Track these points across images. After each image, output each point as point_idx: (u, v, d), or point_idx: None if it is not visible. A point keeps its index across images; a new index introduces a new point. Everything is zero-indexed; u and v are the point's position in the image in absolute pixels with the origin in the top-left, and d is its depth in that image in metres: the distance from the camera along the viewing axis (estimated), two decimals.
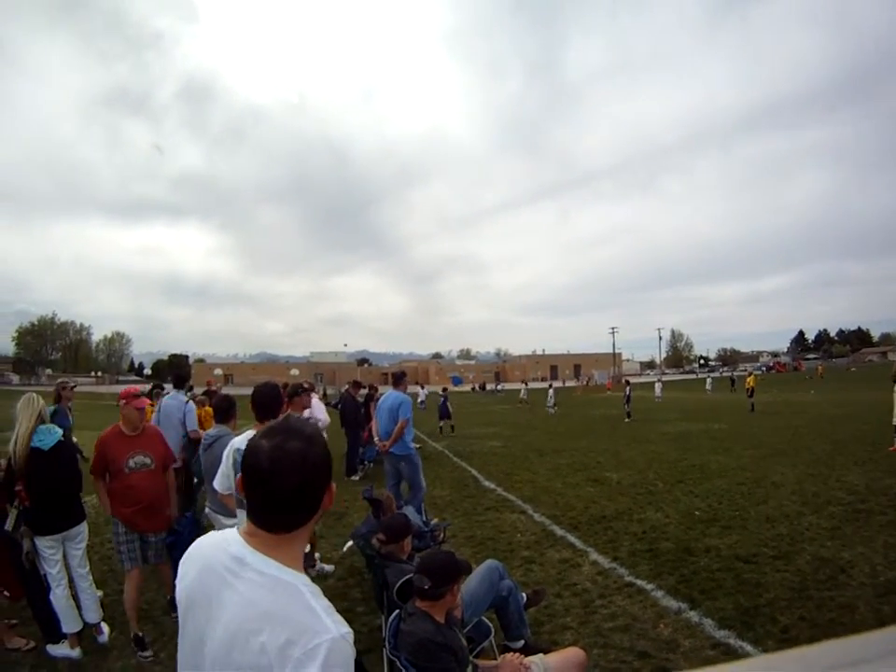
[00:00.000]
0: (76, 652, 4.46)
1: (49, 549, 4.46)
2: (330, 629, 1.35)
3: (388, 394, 8.22)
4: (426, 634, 2.81)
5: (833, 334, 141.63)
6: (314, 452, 1.44)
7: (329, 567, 6.46)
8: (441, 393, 23.38)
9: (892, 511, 7.52)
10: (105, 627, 4.80)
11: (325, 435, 7.79)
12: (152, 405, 9.24)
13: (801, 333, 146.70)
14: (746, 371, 38.68)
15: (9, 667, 4.29)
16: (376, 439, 8.18)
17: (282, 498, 1.40)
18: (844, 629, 4.44)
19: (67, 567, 4.64)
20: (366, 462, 13.37)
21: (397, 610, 3.18)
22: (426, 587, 2.92)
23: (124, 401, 4.86)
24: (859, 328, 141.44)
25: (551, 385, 36.98)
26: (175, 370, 8.61)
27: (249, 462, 1.43)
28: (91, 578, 4.80)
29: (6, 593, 4.64)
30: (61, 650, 4.47)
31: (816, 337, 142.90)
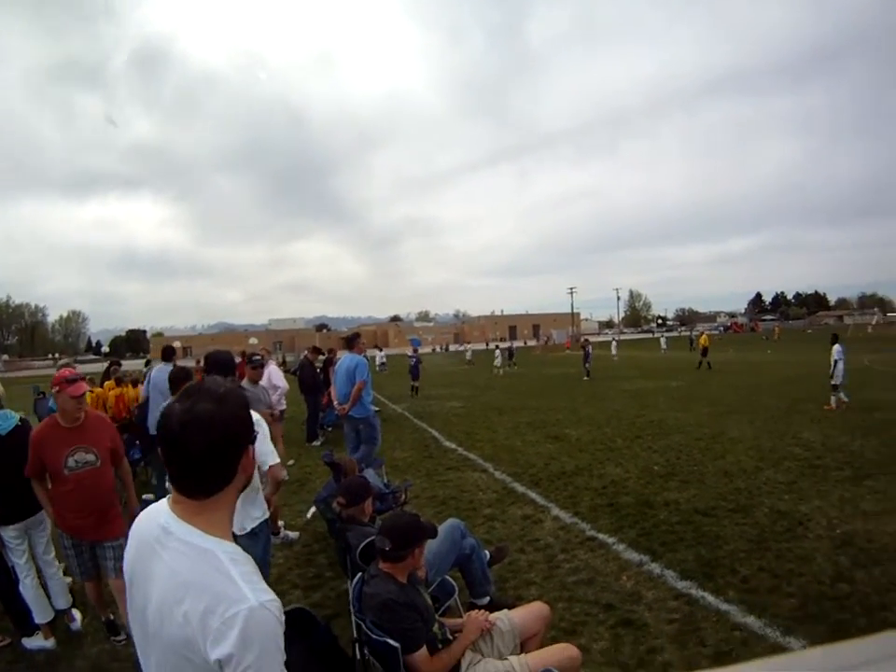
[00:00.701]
0: (50, 643, 4.38)
1: (14, 539, 4.36)
2: (248, 597, 1.30)
3: (344, 357, 8.12)
4: (389, 595, 2.78)
5: (790, 297, 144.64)
6: (224, 413, 1.41)
7: (293, 535, 6.38)
8: (411, 355, 23.36)
9: (847, 467, 7.76)
10: (76, 614, 4.71)
11: (284, 402, 7.70)
12: (93, 391, 9.05)
13: (758, 295, 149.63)
14: (699, 331, 39.16)
15: None
16: (335, 402, 8.10)
17: (192, 462, 1.38)
18: (803, 580, 4.58)
19: (33, 555, 4.54)
20: (326, 427, 13.32)
21: (360, 573, 3.15)
22: (386, 549, 2.89)
23: (57, 388, 4.14)
24: (816, 292, 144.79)
25: (497, 346, 37.87)
26: (164, 345, 8.48)
27: (162, 426, 1.41)
28: (57, 563, 4.70)
29: None
30: (35, 642, 4.38)
31: (773, 299, 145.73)
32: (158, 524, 1.44)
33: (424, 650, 2.73)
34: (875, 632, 3.18)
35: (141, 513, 1.55)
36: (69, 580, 4.87)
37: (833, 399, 13.01)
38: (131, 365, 20.74)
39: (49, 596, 4.55)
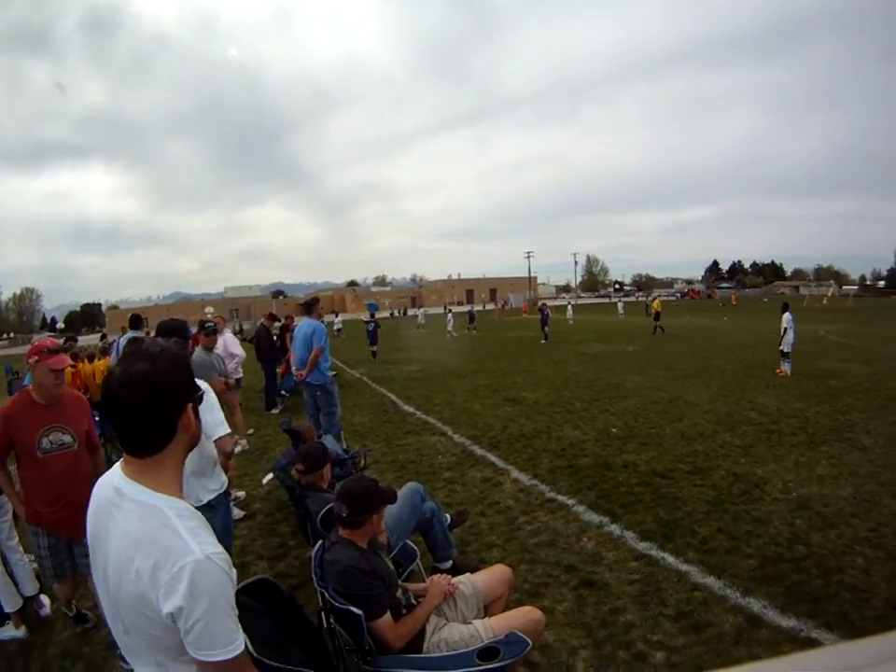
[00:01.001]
0: (21, 632, 4.24)
1: None
2: (194, 551, 1.37)
3: (302, 323, 7.98)
4: (350, 561, 2.72)
5: (747, 266, 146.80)
6: (157, 371, 1.46)
7: (238, 514, 6.11)
8: (370, 320, 23.18)
9: (802, 432, 7.91)
10: (45, 600, 4.59)
11: (240, 371, 7.53)
12: (74, 366, 8.82)
13: (715, 263, 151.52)
14: (651, 296, 39.64)
15: None
16: (294, 369, 7.95)
17: (129, 420, 1.45)
18: (760, 541, 4.66)
19: None
20: (284, 394, 13.13)
21: (321, 541, 3.08)
22: (344, 515, 2.82)
23: (35, 358, 3.70)
24: (772, 262, 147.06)
25: (449, 310, 38.07)
26: (132, 314, 8.32)
27: (103, 388, 1.48)
28: (21, 549, 4.55)
29: None
30: (6, 632, 4.24)
31: (730, 268, 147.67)
32: (112, 486, 1.50)
33: (387, 616, 2.68)
34: (832, 595, 3.25)
35: (100, 478, 1.59)
36: (35, 565, 4.69)
37: (784, 364, 13.38)
38: (87, 340, 20.18)
39: (15, 584, 4.42)
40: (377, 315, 25.58)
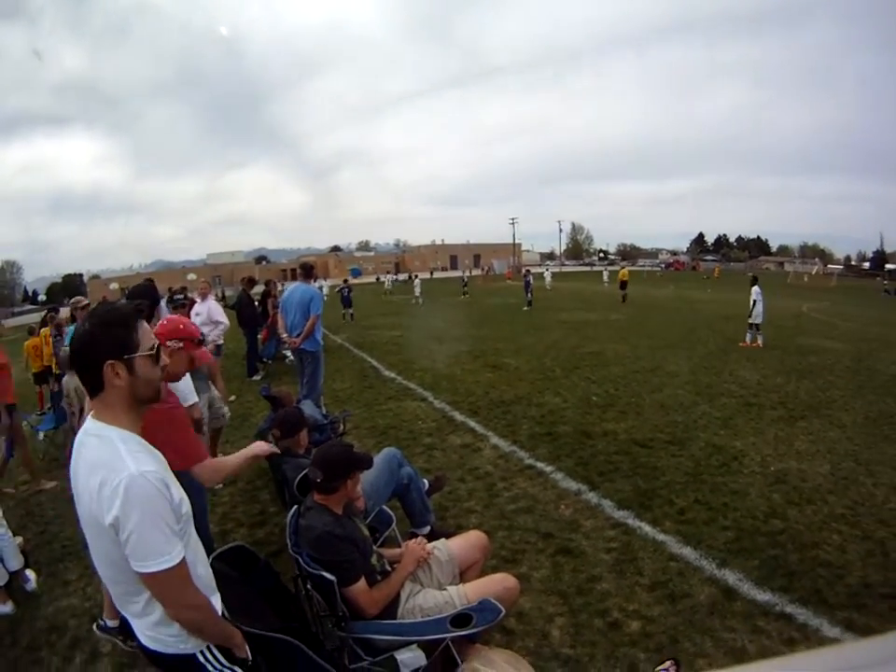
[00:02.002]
0: (8, 607, 4.22)
1: None
2: (129, 466, 1.59)
3: (296, 287, 7.67)
4: (325, 527, 2.69)
5: (732, 240, 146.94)
6: (85, 329, 1.70)
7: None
8: (343, 285, 24.10)
9: (782, 407, 7.95)
10: (30, 574, 4.54)
11: (221, 338, 7.39)
12: (60, 335, 9.30)
13: (700, 235, 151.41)
14: (620, 266, 39.63)
15: None
16: (284, 335, 7.72)
17: (75, 367, 1.74)
18: (737, 514, 4.68)
19: None
20: (266, 360, 13.05)
21: (295, 506, 3.04)
22: (318, 480, 2.79)
23: (181, 345, 3.29)
24: (758, 237, 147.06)
25: (416, 276, 38.65)
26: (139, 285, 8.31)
27: None
28: (5, 523, 4.48)
29: None
30: None
31: (715, 241, 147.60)
32: (83, 428, 1.75)
33: (362, 582, 2.66)
34: (807, 571, 3.26)
35: None
36: (20, 539, 4.70)
37: (748, 335, 13.68)
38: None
39: (1, 560, 4.39)
40: (350, 280, 26.05)
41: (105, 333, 1.68)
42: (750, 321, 13.72)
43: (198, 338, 3.49)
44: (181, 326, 3.36)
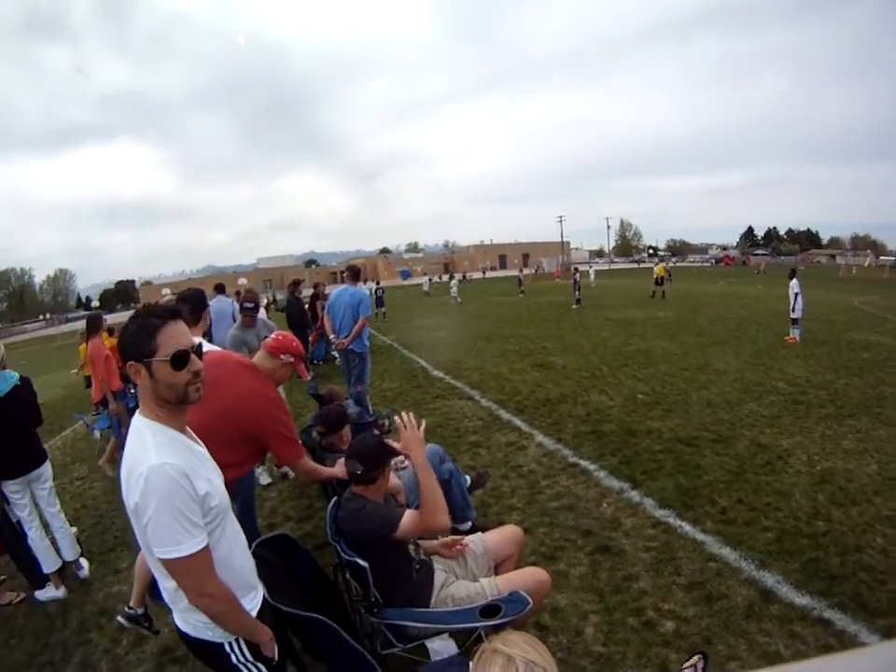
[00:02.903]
0: (61, 592, 4.45)
1: (15, 493, 4.38)
2: (151, 458, 1.67)
3: (344, 290, 7.66)
4: (362, 503, 2.77)
5: (782, 233, 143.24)
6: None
7: (266, 479, 6.22)
8: (376, 286, 26.19)
9: (830, 405, 7.70)
10: (84, 562, 4.78)
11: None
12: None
13: (750, 229, 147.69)
14: (656, 262, 38.85)
15: (5, 621, 4.25)
16: (332, 336, 7.76)
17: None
18: (780, 514, 4.57)
19: (38, 509, 4.57)
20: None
21: (335, 497, 3.10)
22: (358, 472, 2.83)
23: (291, 359, 3.36)
24: (808, 229, 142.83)
25: (452, 276, 39.77)
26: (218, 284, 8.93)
27: None
28: (62, 516, 4.73)
29: None
30: (47, 593, 4.45)
31: (765, 234, 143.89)
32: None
33: (407, 512, 2.76)
34: (848, 575, 3.16)
35: None
36: (75, 529, 4.93)
37: (793, 331, 13.24)
38: (123, 317, 20.52)
39: (57, 549, 4.61)
40: (405, 282, 27.12)
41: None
42: (793, 315, 13.33)
43: (304, 355, 3.59)
44: (294, 344, 3.46)
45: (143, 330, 1.76)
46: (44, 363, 19.28)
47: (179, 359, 1.78)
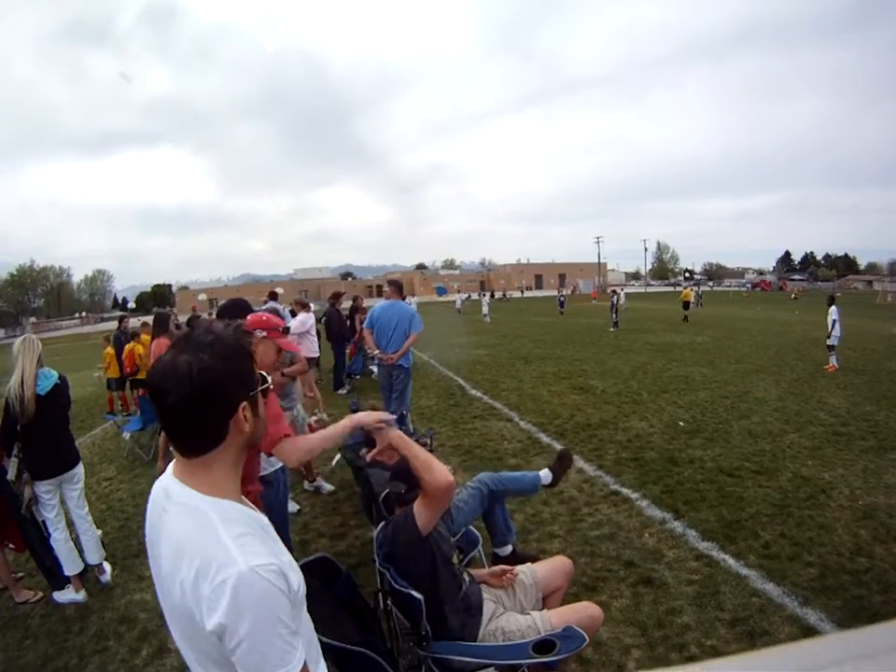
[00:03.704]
0: (81, 595, 4.44)
1: (46, 493, 4.38)
2: (237, 561, 1.19)
3: (390, 304, 7.50)
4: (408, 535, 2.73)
5: (819, 258, 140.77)
6: (204, 364, 1.27)
7: (328, 487, 6.33)
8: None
9: (872, 437, 7.53)
10: (107, 567, 4.78)
11: (317, 352, 7.37)
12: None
13: (787, 254, 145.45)
14: (683, 286, 38.53)
15: (20, 620, 4.29)
16: (376, 351, 7.55)
17: (171, 418, 1.30)
18: (823, 550, 4.50)
19: (66, 509, 4.60)
20: (353, 375, 13.29)
21: (382, 522, 3.07)
22: (402, 492, 2.84)
23: (264, 334, 3.34)
24: (846, 254, 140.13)
25: (483, 295, 39.95)
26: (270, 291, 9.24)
27: (148, 377, 1.34)
28: (90, 518, 4.74)
29: (10, 545, 4.63)
30: (66, 595, 4.45)
31: (802, 259, 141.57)
32: (162, 486, 1.39)
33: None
34: (891, 614, 3.10)
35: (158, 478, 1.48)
36: (100, 532, 4.96)
37: (832, 359, 13.01)
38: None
39: (81, 551, 4.62)
40: (445, 297, 26.69)
41: (237, 366, 1.34)
42: (829, 343, 13.14)
43: (283, 326, 3.53)
44: (263, 318, 3.36)
45: (247, 356, 1.40)
46: (77, 361, 19.64)
47: (266, 382, 1.49)
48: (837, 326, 13.05)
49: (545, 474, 4.29)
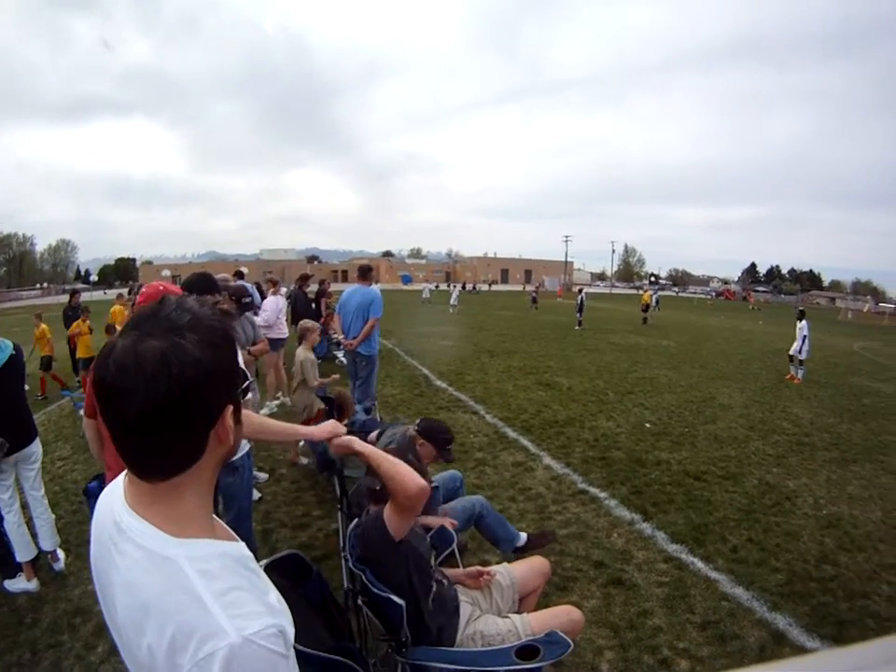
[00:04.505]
0: (33, 584, 4.16)
1: (1, 473, 4.09)
2: (226, 631, 0.86)
3: (355, 289, 7.40)
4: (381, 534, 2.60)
5: (784, 272, 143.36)
6: (184, 354, 0.89)
7: (262, 476, 6.06)
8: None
9: (834, 448, 7.69)
10: (60, 553, 4.47)
11: (286, 332, 7.21)
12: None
13: (753, 265, 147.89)
14: (643, 290, 39.23)
15: None
16: (340, 336, 7.56)
17: (132, 428, 0.89)
18: (789, 556, 4.56)
19: (20, 490, 4.30)
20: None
21: (355, 519, 2.92)
22: (377, 487, 2.70)
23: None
24: (811, 270, 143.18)
25: (453, 286, 41.91)
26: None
27: (96, 372, 0.93)
28: (45, 501, 4.44)
29: None
30: (18, 584, 4.15)
31: (767, 271, 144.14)
32: (111, 513, 1.02)
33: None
34: (856, 621, 3.12)
35: (101, 494, 1.11)
36: (53, 517, 4.58)
37: (798, 371, 13.38)
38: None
39: (34, 536, 4.33)
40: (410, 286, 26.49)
41: (224, 359, 0.97)
42: (797, 356, 13.44)
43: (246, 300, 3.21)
44: (161, 288, 3.06)
45: (230, 347, 1.00)
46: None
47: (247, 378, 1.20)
48: (807, 341, 13.38)
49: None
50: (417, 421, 4.09)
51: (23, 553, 4.14)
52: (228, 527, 1.15)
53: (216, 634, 0.86)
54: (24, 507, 4.34)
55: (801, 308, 15.25)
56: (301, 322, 6.89)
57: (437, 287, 51.40)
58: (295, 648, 1.67)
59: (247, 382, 1.19)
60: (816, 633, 3.59)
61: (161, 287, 3.06)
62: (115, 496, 1.03)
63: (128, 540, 0.96)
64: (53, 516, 4.54)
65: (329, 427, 2.28)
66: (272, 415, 6.47)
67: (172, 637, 0.87)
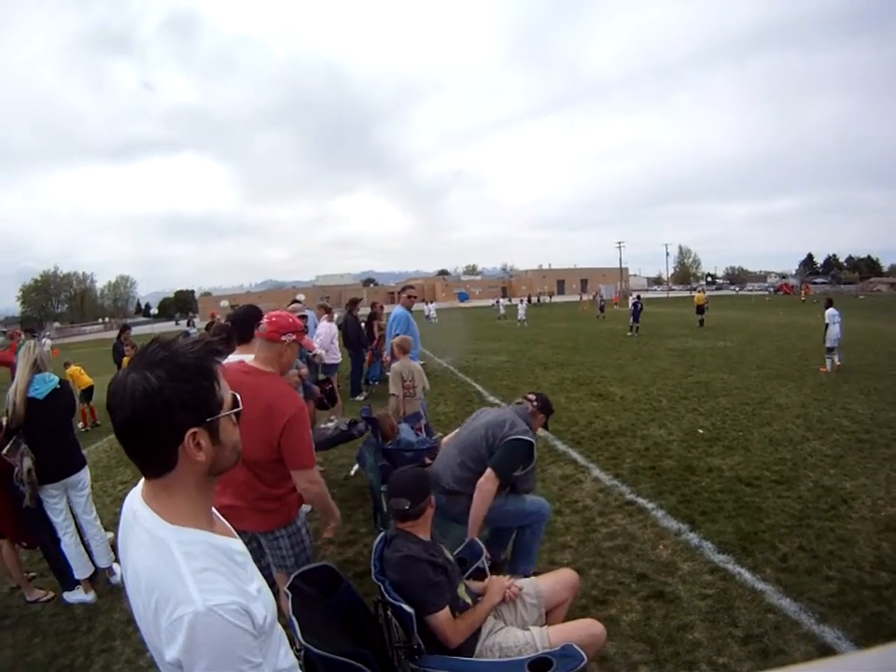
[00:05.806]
0: (90, 597, 4.49)
1: (51, 498, 4.40)
2: (194, 599, 1.12)
3: (401, 309, 7.69)
4: (410, 550, 2.64)
5: (842, 260, 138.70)
6: (148, 386, 1.17)
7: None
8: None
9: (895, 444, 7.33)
10: (117, 568, 4.77)
11: (339, 358, 7.31)
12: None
13: (810, 256, 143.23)
14: (698, 289, 38.22)
15: (31, 619, 4.33)
16: (385, 354, 7.70)
17: (120, 436, 1.22)
18: (843, 564, 4.34)
19: (73, 514, 4.61)
20: (371, 382, 13.16)
21: (381, 533, 2.98)
22: (406, 507, 2.74)
23: (293, 337, 3.10)
24: (868, 256, 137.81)
25: (520, 301, 41.14)
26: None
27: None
28: (98, 523, 4.76)
29: (23, 543, 4.69)
30: (76, 596, 4.50)
31: (824, 262, 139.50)
32: (132, 504, 1.33)
33: (447, 610, 2.57)
34: None
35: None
36: (111, 535, 4.91)
37: (827, 361, 13.08)
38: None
39: (90, 555, 4.64)
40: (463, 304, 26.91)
41: (185, 391, 1.20)
42: (826, 345, 13.15)
43: (304, 327, 3.31)
44: (290, 320, 3.11)
45: (205, 376, 1.26)
46: (100, 365, 19.77)
47: (238, 405, 1.36)
48: (834, 328, 13.13)
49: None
50: (533, 396, 4.43)
51: (81, 570, 4.51)
52: (228, 525, 1.45)
53: (186, 601, 1.13)
54: (80, 529, 4.65)
55: (829, 297, 14.83)
56: (395, 339, 6.90)
57: (510, 300, 51.82)
58: (306, 649, 2.00)
59: (237, 408, 1.35)
60: (866, 646, 3.38)
61: (291, 320, 3.14)
62: (136, 491, 1.34)
63: (139, 524, 1.26)
64: (110, 534, 4.87)
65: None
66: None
67: (157, 601, 1.16)
